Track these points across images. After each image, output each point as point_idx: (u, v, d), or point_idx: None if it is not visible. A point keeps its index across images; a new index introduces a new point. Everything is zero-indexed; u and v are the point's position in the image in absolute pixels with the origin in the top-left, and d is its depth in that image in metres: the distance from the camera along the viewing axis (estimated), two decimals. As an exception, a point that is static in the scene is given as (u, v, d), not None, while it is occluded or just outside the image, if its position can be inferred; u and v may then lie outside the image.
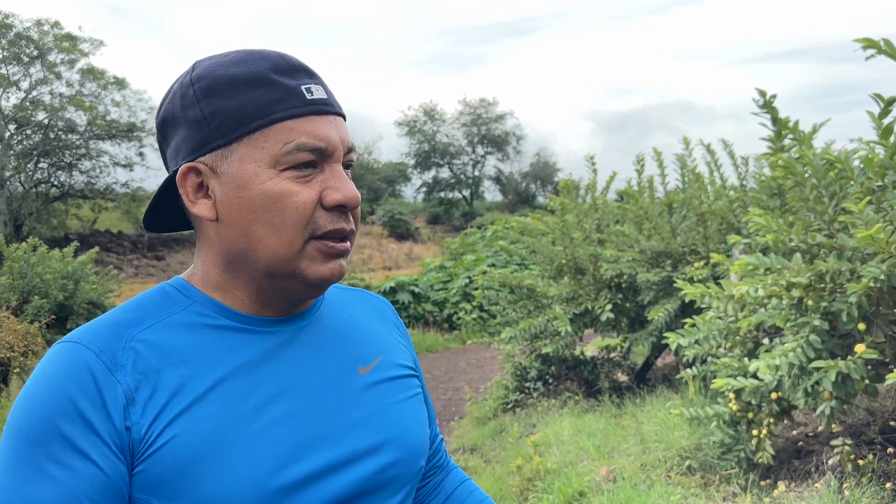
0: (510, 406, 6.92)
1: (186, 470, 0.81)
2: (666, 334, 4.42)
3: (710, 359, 4.32)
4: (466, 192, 52.61)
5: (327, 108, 0.91)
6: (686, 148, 6.39)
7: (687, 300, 4.32)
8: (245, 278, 0.92)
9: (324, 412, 0.91)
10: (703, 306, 4.19)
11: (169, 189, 0.94)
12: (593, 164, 7.16)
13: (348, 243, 0.92)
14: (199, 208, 0.90)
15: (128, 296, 15.64)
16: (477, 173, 53.09)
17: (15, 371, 7.92)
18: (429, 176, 52.63)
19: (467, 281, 14.71)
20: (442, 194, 52.34)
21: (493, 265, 15.24)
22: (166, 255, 34.49)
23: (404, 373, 1.05)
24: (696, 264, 5.65)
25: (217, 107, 0.87)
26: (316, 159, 0.88)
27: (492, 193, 55.14)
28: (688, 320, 4.36)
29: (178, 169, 0.90)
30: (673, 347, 4.37)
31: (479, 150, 52.57)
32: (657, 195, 6.72)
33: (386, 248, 36.44)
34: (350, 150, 0.93)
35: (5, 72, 33.76)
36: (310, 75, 0.92)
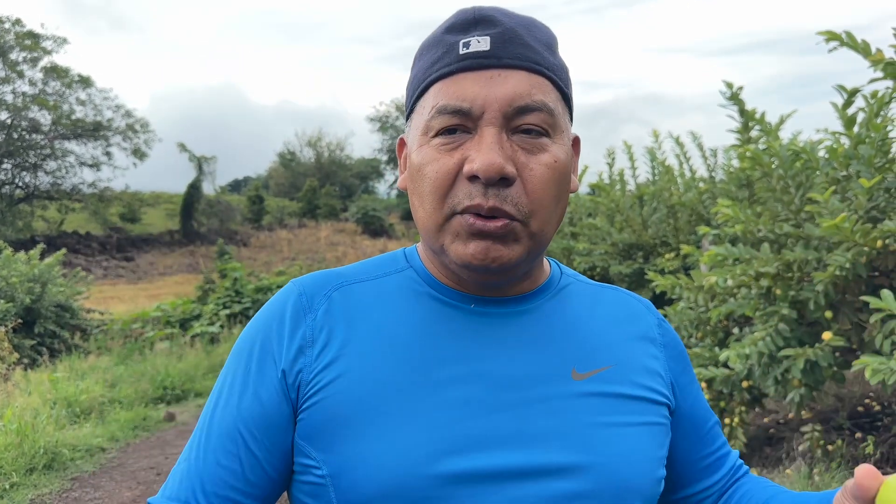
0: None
1: (342, 426, 0.78)
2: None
3: (682, 349, 4.37)
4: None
5: (485, 61, 0.77)
6: (656, 141, 6.45)
7: (658, 291, 4.36)
8: (429, 252, 0.88)
9: (512, 409, 0.80)
10: (674, 297, 4.23)
11: None
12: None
13: (503, 222, 0.76)
14: (401, 179, 0.88)
15: (97, 298, 15.41)
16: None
17: (-19, 377, 7.76)
18: (401, 172, 52.57)
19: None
20: (415, 190, 52.18)
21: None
22: (135, 256, 34.00)
23: (640, 394, 0.86)
24: (666, 256, 5.71)
25: (409, 77, 0.86)
26: (463, 123, 0.77)
27: (465, 188, 55.17)
28: (659, 311, 4.40)
29: None
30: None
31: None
32: (628, 188, 6.77)
33: (360, 245, 36.30)
34: (528, 108, 0.76)
35: (-35, 71, 33.01)
36: (487, 25, 0.79)
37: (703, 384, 3.96)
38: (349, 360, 0.80)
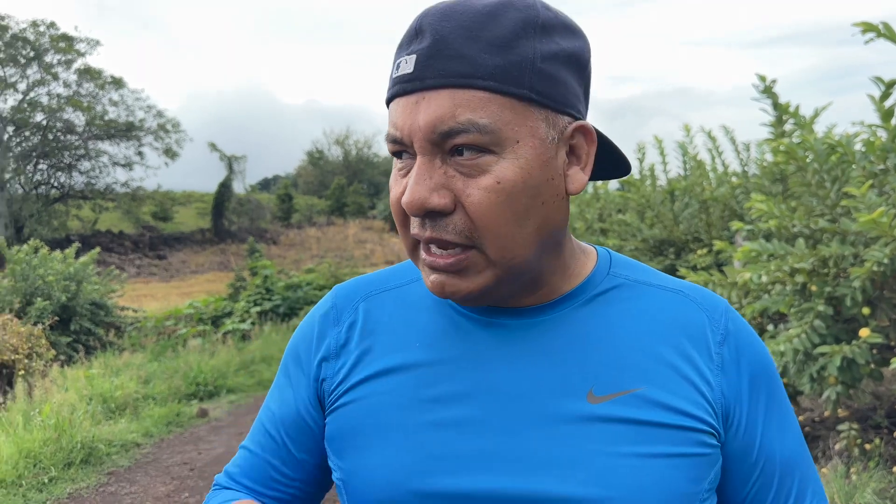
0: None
1: (352, 436, 0.81)
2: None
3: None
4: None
5: (408, 85, 0.71)
6: (687, 135, 6.38)
7: (690, 288, 4.31)
8: None
9: (511, 430, 0.75)
10: (706, 294, 4.18)
11: None
12: (593, 153, 7.14)
13: (454, 258, 0.72)
14: None
15: (130, 296, 15.67)
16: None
17: (20, 373, 7.93)
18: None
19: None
20: (442, 187, 52.20)
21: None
22: (168, 254, 34.51)
23: (670, 421, 0.75)
24: (699, 252, 5.65)
25: None
26: (406, 150, 0.73)
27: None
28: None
29: None
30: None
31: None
32: (659, 183, 6.71)
33: (387, 242, 36.44)
34: (453, 131, 0.69)
35: (2, 74, 33.72)
36: (421, 37, 0.72)
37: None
38: (365, 372, 0.82)
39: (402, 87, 0.71)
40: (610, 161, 0.85)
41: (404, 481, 0.76)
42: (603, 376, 0.76)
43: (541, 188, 0.72)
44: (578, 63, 0.75)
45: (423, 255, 0.74)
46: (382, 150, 55.66)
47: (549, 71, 0.72)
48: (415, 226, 0.73)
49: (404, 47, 0.73)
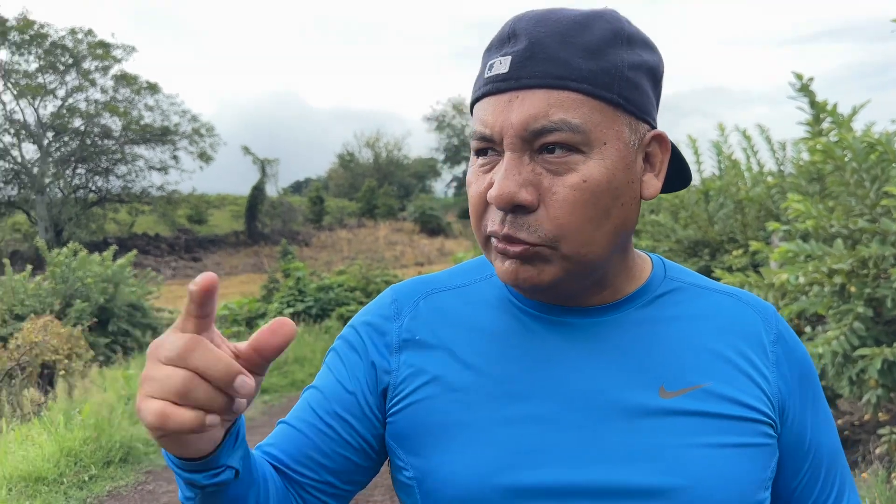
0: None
1: (426, 434, 0.81)
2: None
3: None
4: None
5: (502, 84, 0.75)
6: (721, 134, 6.30)
7: (726, 289, 4.25)
8: None
9: (589, 425, 0.77)
10: (742, 295, 4.12)
11: None
12: (626, 153, 7.08)
13: (522, 247, 0.75)
14: None
15: (166, 298, 15.93)
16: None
17: (60, 374, 8.11)
18: (459, 170, 52.70)
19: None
20: (472, 188, 52.34)
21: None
22: (203, 256, 35.02)
23: (737, 413, 0.79)
24: (734, 252, 5.57)
25: None
26: (493, 147, 0.76)
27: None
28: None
29: None
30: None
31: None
32: (692, 183, 6.63)
33: (417, 243, 36.56)
34: (545, 129, 0.73)
35: (42, 80, 34.53)
36: (515, 41, 0.76)
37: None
38: (433, 369, 0.82)
39: (495, 86, 0.75)
40: (674, 171, 0.89)
41: (487, 477, 0.76)
42: (671, 373, 0.80)
43: (622, 190, 0.76)
44: (655, 76, 0.80)
45: (494, 243, 0.77)
46: (412, 152, 55.94)
47: (634, 80, 0.76)
48: (494, 222, 0.76)
49: (496, 49, 0.77)
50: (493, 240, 0.77)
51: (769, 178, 5.92)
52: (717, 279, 4.33)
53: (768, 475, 0.81)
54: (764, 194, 5.64)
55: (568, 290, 0.80)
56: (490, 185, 0.76)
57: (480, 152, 0.78)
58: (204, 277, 0.60)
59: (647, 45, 0.80)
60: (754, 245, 4.36)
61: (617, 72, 0.75)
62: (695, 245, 6.15)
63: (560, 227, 0.74)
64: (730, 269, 5.21)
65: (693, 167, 6.59)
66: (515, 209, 0.74)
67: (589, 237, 0.75)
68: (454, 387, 0.81)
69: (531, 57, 0.74)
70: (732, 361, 0.82)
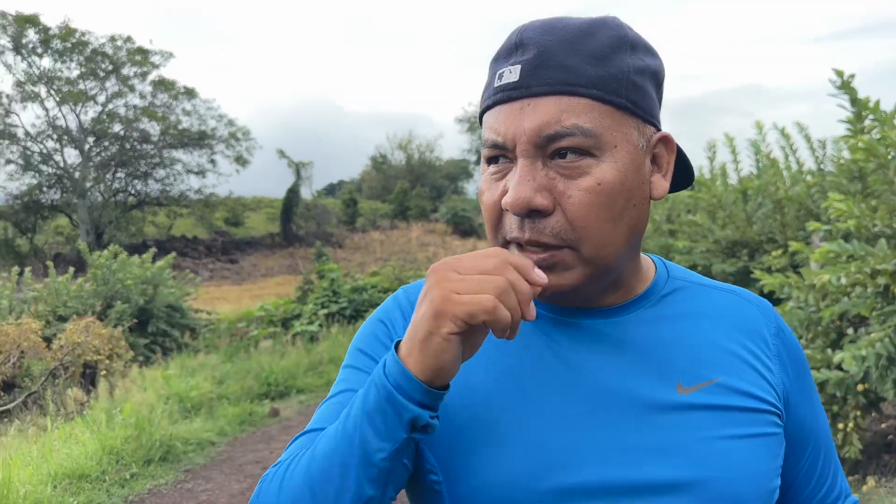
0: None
1: (456, 437, 0.80)
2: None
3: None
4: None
5: (513, 93, 0.77)
6: (759, 132, 6.19)
7: (766, 291, 4.19)
8: None
9: (614, 423, 0.79)
10: (782, 297, 4.06)
11: None
12: (661, 153, 6.99)
13: (547, 254, 0.77)
14: None
15: (204, 299, 16.19)
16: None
17: (102, 373, 8.29)
18: (491, 171, 52.46)
19: (534, 276, 14.58)
20: (505, 189, 52.02)
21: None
22: (239, 258, 35.47)
23: (749, 405, 0.82)
24: (773, 253, 5.47)
25: None
26: (505, 154, 0.78)
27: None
28: (766, 311, 4.22)
29: None
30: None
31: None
32: (730, 182, 6.53)
33: (450, 245, 36.57)
34: (558, 135, 0.75)
35: (83, 87, 35.32)
36: (523, 50, 0.78)
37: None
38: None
39: (506, 95, 0.77)
40: (678, 171, 0.91)
41: (522, 481, 0.77)
42: (686, 369, 0.82)
43: (634, 191, 0.79)
44: (657, 79, 0.83)
45: (515, 249, 0.79)
46: (444, 153, 55.95)
47: (640, 84, 0.79)
48: (513, 229, 0.78)
49: (503, 59, 0.80)
50: (514, 246, 0.79)
51: (809, 177, 5.81)
52: (757, 280, 4.26)
53: (779, 463, 0.84)
54: (804, 193, 5.53)
55: (587, 292, 0.82)
56: (504, 192, 0.78)
57: (492, 160, 0.80)
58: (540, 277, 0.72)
59: (649, 51, 0.83)
60: (794, 245, 4.28)
61: (623, 77, 0.77)
62: (733, 245, 6.06)
63: (579, 230, 0.76)
64: (769, 270, 5.12)
65: (730, 166, 6.50)
66: (531, 214, 0.76)
67: (607, 238, 0.77)
68: (477, 390, 0.82)
69: (540, 65, 0.76)
70: (740, 355, 0.85)
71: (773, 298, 4.45)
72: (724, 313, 0.89)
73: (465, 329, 0.68)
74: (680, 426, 0.79)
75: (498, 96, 0.78)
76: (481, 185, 0.82)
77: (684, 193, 7.05)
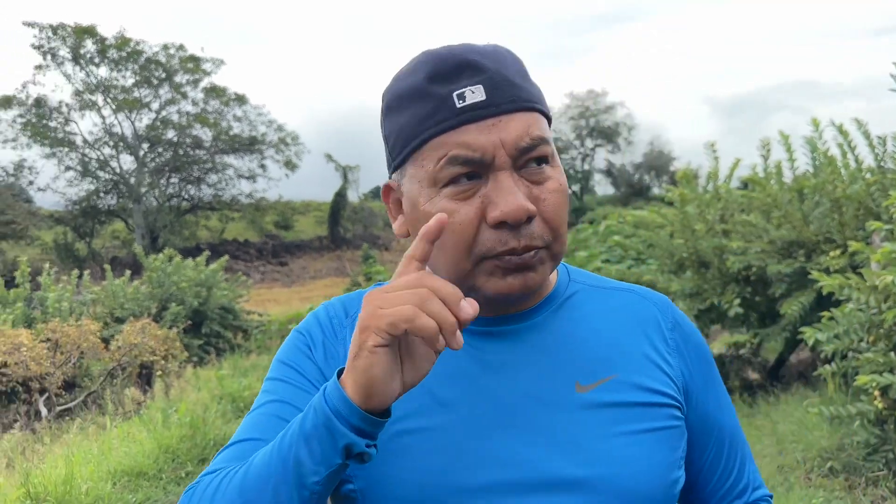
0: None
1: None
2: (801, 329, 4.18)
3: (851, 354, 4.05)
4: (576, 187, 51.88)
5: (484, 111, 0.80)
6: (816, 130, 6.02)
7: (824, 292, 4.07)
8: None
9: (516, 427, 0.83)
10: (841, 298, 3.94)
11: None
12: (714, 151, 6.86)
13: (537, 254, 0.82)
14: (395, 225, 0.92)
15: (255, 301, 16.48)
16: (586, 167, 52.31)
17: (158, 374, 8.50)
18: (535, 172, 52.20)
19: (582, 277, 14.47)
20: (551, 190, 51.78)
21: (608, 261, 14.90)
22: (289, 261, 36.00)
23: (646, 399, 0.87)
24: (831, 253, 5.31)
25: (390, 127, 0.87)
26: (476, 171, 0.81)
27: (603, 187, 54.14)
28: (825, 313, 4.10)
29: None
30: (810, 343, 4.13)
31: (588, 143, 51.78)
32: (785, 181, 6.36)
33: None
34: (531, 145, 0.81)
35: (138, 95, 36.31)
36: (474, 72, 0.81)
37: (877, 392, 3.66)
38: None
39: (476, 114, 0.80)
40: None
41: (434, 482, 0.81)
42: (584, 368, 0.87)
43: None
44: None
45: (506, 260, 0.81)
46: (492, 155, 55.68)
47: (544, 99, 0.88)
48: (502, 242, 0.80)
49: (452, 81, 0.81)
50: (495, 259, 0.81)
51: (868, 175, 5.62)
52: (815, 281, 4.15)
53: (680, 455, 0.88)
54: (863, 192, 5.36)
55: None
56: (481, 208, 0.80)
57: (453, 181, 0.81)
58: (438, 216, 0.71)
59: None
60: (854, 245, 4.15)
61: (539, 92, 0.87)
62: (789, 246, 5.90)
63: (553, 230, 0.83)
64: (827, 271, 4.97)
65: (785, 164, 6.33)
66: (517, 224, 0.80)
67: (565, 235, 0.85)
68: (398, 402, 0.83)
69: (501, 84, 0.81)
70: (638, 352, 0.90)
71: (833, 300, 4.32)
72: (622, 312, 0.94)
73: (391, 340, 0.69)
74: (579, 425, 0.84)
75: (467, 115, 0.80)
76: (443, 207, 0.81)
77: (738, 193, 6.90)
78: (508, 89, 0.82)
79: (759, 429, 5.02)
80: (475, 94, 0.80)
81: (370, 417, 0.71)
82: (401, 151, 0.85)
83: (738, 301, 5.90)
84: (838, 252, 5.28)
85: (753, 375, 6.80)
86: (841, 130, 5.87)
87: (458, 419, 0.84)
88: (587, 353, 0.88)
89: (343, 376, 0.73)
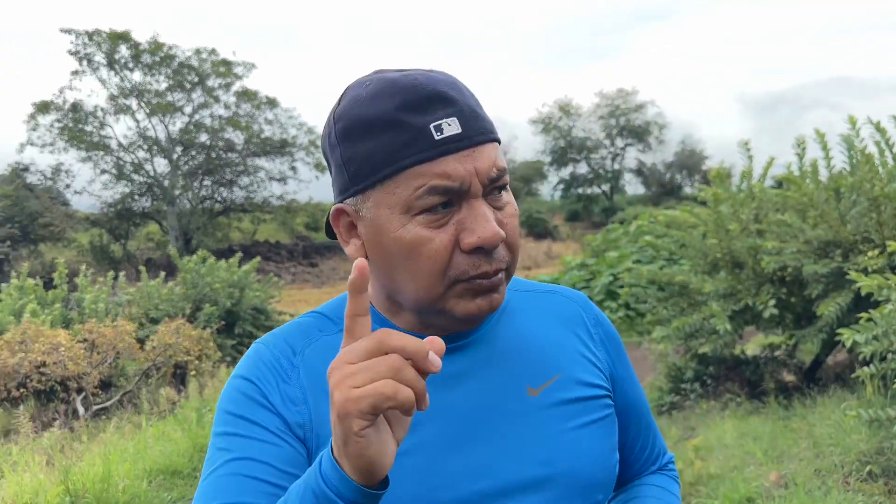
0: (665, 409, 6.69)
1: None
2: (839, 330, 4.11)
3: (890, 356, 3.97)
4: (606, 187, 51.48)
5: (461, 143, 0.84)
6: (852, 127, 5.90)
7: (863, 293, 3.99)
8: (403, 309, 0.93)
9: (480, 438, 0.88)
10: (880, 299, 3.85)
11: None
12: (748, 149, 6.76)
13: (501, 275, 0.87)
14: (350, 248, 0.91)
15: (287, 302, 16.62)
16: (616, 166, 51.83)
17: (192, 374, 8.61)
18: (566, 172, 51.96)
19: (611, 279, 14.37)
20: (580, 190, 51.48)
21: (639, 261, 14.78)
22: (319, 263, 36.26)
23: (587, 394, 0.95)
24: (870, 253, 5.21)
25: (352, 152, 0.86)
26: (450, 199, 0.84)
27: (633, 187, 53.60)
28: (863, 314, 4.02)
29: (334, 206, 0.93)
30: (847, 344, 4.05)
31: (619, 142, 51.28)
32: (821, 180, 6.25)
33: (524, 247, 36.37)
34: (498, 175, 0.86)
35: (171, 99, 36.86)
36: (446, 103, 0.84)
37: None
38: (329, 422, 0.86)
39: (455, 146, 0.83)
40: None
41: (413, 501, 0.84)
42: (531, 372, 0.93)
43: None
44: None
45: (477, 283, 0.85)
46: (518, 155, 55.54)
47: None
48: (475, 266, 0.84)
49: (427, 111, 0.83)
50: (466, 283, 0.85)
51: (908, 173, 5.50)
52: (852, 282, 4.06)
53: (615, 440, 0.98)
54: (903, 190, 5.24)
55: None
56: (454, 234, 0.84)
57: (433, 209, 0.84)
58: (358, 264, 0.71)
59: None
60: (892, 245, 4.06)
61: (491, 120, 0.91)
62: (825, 246, 5.79)
63: (513, 252, 0.88)
64: (865, 272, 4.87)
65: (821, 163, 6.22)
66: (488, 249, 0.85)
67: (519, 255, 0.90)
68: None
69: (471, 117, 0.85)
70: (572, 349, 0.98)
71: (871, 301, 4.23)
72: (552, 313, 1.01)
73: (375, 420, 0.68)
74: (535, 426, 0.90)
75: (447, 147, 0.83)
76: (412, 235, 0.84)
77: (772, 192, 6.80)
78: (477, 122, 0.86)
79: (795, 431, 4.93)
80: (451, 126, 0.83)
81: (376, 493, 0.71)
82: (367, 177, 0.86)
83: (773, 302, 5.80)
84: (876, 252, 5.17)
85: (789, 377, 6.68)
86: (878, 128, 5.76)
87: (429, 438, 0.87)
88: (531, 357, 0.95)
89: (336, 456, 0.71)
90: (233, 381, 0.92)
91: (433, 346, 0.69)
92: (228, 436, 0.87)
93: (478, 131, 0.85)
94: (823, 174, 6.30)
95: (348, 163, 0.87)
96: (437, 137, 0.83)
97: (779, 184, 7.03)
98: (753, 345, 7.59)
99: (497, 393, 0.91)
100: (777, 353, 6.86)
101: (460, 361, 0.91)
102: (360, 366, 0.67)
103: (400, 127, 0.83)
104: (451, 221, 0.84)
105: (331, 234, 0.99)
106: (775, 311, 5.77)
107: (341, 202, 0.90)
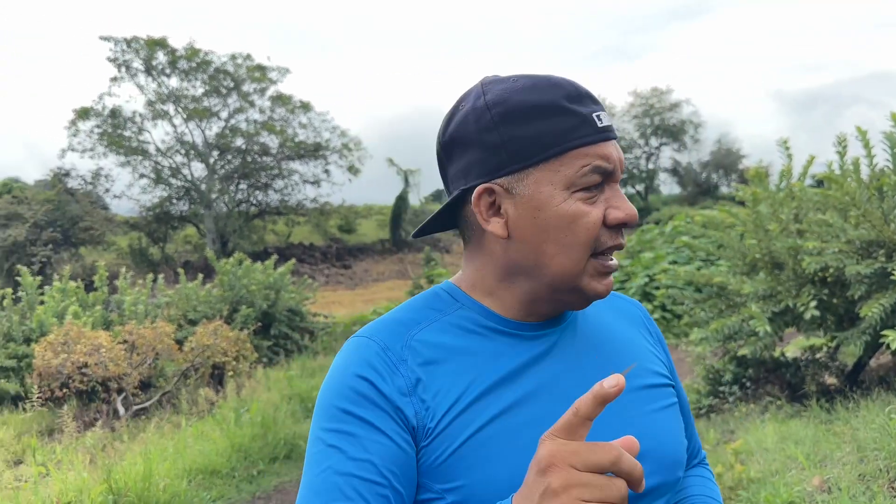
0: (703, 411, 6.59)
1: (458, 459, 0.88)
2: (883, 332, 4.02)
3: (938, 358, 3.86)
4: (640, 187, 50.93)
5: (611, 133, 0.96)
6: (894, 124, 5.77)
7: (908, 293, 3.89)
8: (523, 288, 0.98)
9: None
10: (928, 300, 3.75)
11: (451, 202, 1.01)
12: (787, 148, 6.63)
13: (616, 261, 0.97)
14: (493, 226, 0.96)
15: (321, 303, 16.77)
16: (651, 166, 51.24)
17: (229, 374, 8.73)
18: (601, 173, 51.44)
19: (647, 280, 14.22)
20: (615, 191, 50.97)
21: (675, 262, 14.60)
22: (352, 264, 36.49)
23: (659, 381, 1.05)
24: (914, 253, 5.08)
25: (514, 133, 0.93)
26: (602, 180, 0.94)
27: (668, 186, 52.94)
28: (910, 316, 3.92)
29: (468, 187, 0.96)
30: (893, 346, 3.96)
31: (653, 141, 50.70)
32: (863, 178, 6.10)
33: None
34: (625, 167, 0.98)
35: (207, 104, 37.42)
36: (595, 102, 0.97)
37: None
38: (448, 399, 0.90)
39: (609, 134, 0.95)
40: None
41: (514, 484, 0.83)
42: (615, 360, 1.02)
43: None
44: None
45: (605, 264, 0.95)
46: (554, 156, 55.08)
47: None
48: (617, 237, 0.95)
49: (588, 104, 0.96)
50: (598, 260, 0.95)
51: (955, 171, 5.35)
52: (898, 282, 3.96)
53: (683, 425, 1.06)
54: (950, 188, 5.09)
55: None
56: (603, 211, 0.94)
57: (588, 188, 0.93)
58: (618, 381, 0.70)
59: None
60: (941, 244, 3.95)
61: None
62: (868, 246, 5.66)
63: (625, 235, 0.98)
64: (911, 272, 4.75)
65: (863, 161, 6.08)
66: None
67: None
68: (471, 411, 0.90)
69: (608, 116, 0.97)
70: (641, 342, 1.09)
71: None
72: (618, 311, 1.12)
73: None
74: (626, 407, 0.96)
75: (604, 134, 0.94)
76: (572, 209, 0.93)
77: (812, 191, 6.66)
78: (611, 120, 0.98)
79: (838, 435, 4.83)
80: (604, 119, 0.96)
81: None
82: (532, 156, 0.93)
83: (814, 303, 5.68)
84: (923, 251, 5.04)
85: (830, 380, 6.54)
86: (923, 124, 5.60)
87: (540, 413, 0.92)
88: (613, 347, 1.04)
89: None
90: (342, 376, 0.92)
91: (632, 449, 0.73)
92: (341, 434, 0.88)
93: (613, 127, 0.97)
94: (865, 172, 6.16)
95: (509, 142, 0.94)
96: (599, 125, 0.94)
97: (818, 183, 6.88)
98: (794, 347, 7.44)
99: (591, 376, 0.97)
100: (818, 355, 6.71)
101: (558, 347, 0.99)
102: (590, 478, 0.69)
103: (567, 113, 0.93)
104: (599, 199, 0.94)
105: (435, 227, 1.05)
106: (816, 313, 5.65)
107: (487, 182, 0.95)
